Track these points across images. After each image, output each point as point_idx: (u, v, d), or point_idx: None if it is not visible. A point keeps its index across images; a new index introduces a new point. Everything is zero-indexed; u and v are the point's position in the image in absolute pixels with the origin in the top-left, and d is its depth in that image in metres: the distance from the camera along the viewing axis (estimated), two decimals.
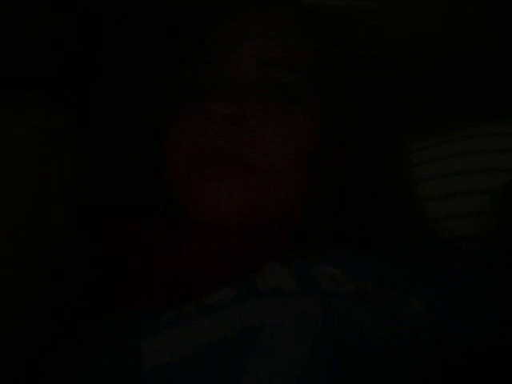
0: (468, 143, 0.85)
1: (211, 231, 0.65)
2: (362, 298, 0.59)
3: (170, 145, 0.70)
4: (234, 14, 0.71)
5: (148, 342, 0.56)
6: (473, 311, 0.61)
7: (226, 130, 0.66)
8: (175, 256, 0.64)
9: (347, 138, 0.73)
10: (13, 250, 0.64)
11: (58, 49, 0.74)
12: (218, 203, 0.65)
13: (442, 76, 0.98)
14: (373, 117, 0.76)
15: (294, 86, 0.69)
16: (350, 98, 0.74)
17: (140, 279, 0.63)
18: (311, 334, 0.53)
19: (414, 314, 0.59)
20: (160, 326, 0.57)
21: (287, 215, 0.68)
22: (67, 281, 0.66)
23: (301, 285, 0.60)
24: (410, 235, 0.69)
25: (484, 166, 0.82)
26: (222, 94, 0.67)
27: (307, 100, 0.70)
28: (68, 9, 0.75)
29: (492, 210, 0.76)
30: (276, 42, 0.70)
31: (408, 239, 0.68)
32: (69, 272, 0.67)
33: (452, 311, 0.60)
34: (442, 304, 0.60)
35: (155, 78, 0.74)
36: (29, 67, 0.72)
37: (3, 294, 0.64)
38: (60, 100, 0.72)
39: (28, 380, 0.61)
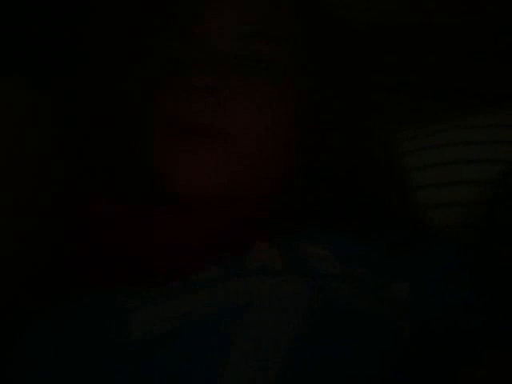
0: (457, 134, 0.85)
1: (194, 207, 0.64)
2: (348, 278, 0.59)
3: (148, 118, 0.69)
4: None
5: (135, 315, 0.55)
6: (455, 297, 0.61)
7: (202, 101, 0.65)
8: (157, 231, 0.63)
9: (333, 117, 0.72)
10: None
11: (38, 23, 0.73)
12: (192, 175, 0.65)
13: (434, 65, 0.98)
14: (360, 99, 0.75)
15: (273, 59, 0.68)
16: (337, 79, 0.73)
17: (121, 255, 0.62)
18: (297, 312, 0.53)
19: (399, 295, 0.59)
20: (148, 300, 0.57)
21: (268, 193, 0.68)
22: (44, 257, 0.66)
23: (288, 264, 0.60)
24: (397, 220, 0.69)
25: (473, 156, 0.82)
26: (200, 66, 0.66)
27: (289, 75, 0.69)
28: None
29: (473, 200, 0.76)
30: (257, 15, 0.69)
31: (395, 224, 0.68)
32: (45, 249, 0.66)
33: (436, 295, 0.61)
34: (427, 288, 0.61)
35: (136, 52, 0.73)
36: (9, 42, 0.71)
37: None
38: (37, 77, 0.71)
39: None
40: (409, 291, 0.60)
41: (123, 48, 0.73)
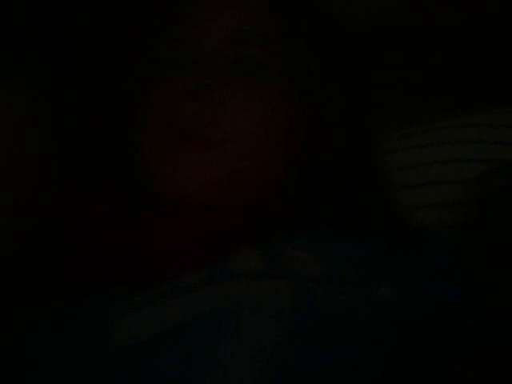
0: (447, 133, 0.85)
1: (182, 212, 0.64)
2: (334, 281, 0.59)
3: (137, 122, 0.69)
4: None
5: (119, 321, 0.56)
6: (446, 296, 0.61)
7: (188, 105, 0.65)
8: (145, 235, 0.63)
9: (318, 119, 0.71)
10: None
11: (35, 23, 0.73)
12: (178, 180, 0.64)
13: (435, 63, 0.98)
14: (346, 100, 0.74)
15: (261, 63, 0.68)
16: (323, 80, 0.72)
17: (109, 258, 0.63)
18: (281, 314, 0.54)
19: (385, 298, 0.59)
20: (132, 306, 0.57)
21: (255, 196, 0.67)
22: (44, 257, 0.66)
23: (272, 268, 0.60)
24: (382, 221, 0.69)
25: (457, 156, 0.82)
26: (186, 70, 0.66)
27: (275, 78, 0.68)
28: None
29: (463, 200, 0.76)
30: (245, 16, 0.69)
31: (380, 225, 0.68)
32: (44, 249, 0.67)
33: (422, 297, 0.61)
34: (413, 289, 0.61)
35: (125, 54, 0.73)
36: (9, 42, 0.72)
37: None
38: (36, 77, 0.71)
39: None
40: (396, 292, 0.60)
41: (111, 49, 0.73)
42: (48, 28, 0.74)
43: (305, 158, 0.70)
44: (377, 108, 0.80)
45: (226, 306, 0.54)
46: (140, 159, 0.69)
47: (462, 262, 0.64)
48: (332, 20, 0.76)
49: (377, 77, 0.93)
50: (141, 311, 0.56)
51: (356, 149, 0.72)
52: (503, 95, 0.93)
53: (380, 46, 0.98)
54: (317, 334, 0.53)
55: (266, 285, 0.57)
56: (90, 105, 0.74)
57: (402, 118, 0.94)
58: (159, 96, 0.67)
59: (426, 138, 0.86)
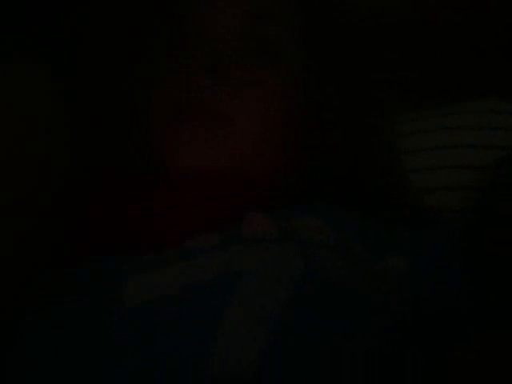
0: (456, 118, 0.85)
1: (194, 180, 0.65)
2: (344, 250, 0.59)
3: (152, 97, 0.69)
4: None
5: (129, 282, 0.56)
6: (447, 278, 0.61)
7: (204, 81, 0.65)
8: (156, 203, 0.64)
9: (331, 100, 0.72)
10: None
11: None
12: (191, 156, 0.65)
13: (435, 62, 0.98)
14: (359, 82, 0.75)
15: (279, 43, 0.68)
16: (336, 62, 0.73)
17: (123, 226, 0.63)
18: (291, 280, 0.54)
19: (395, 269, 0.59)
20: (142, 268, 0.57)
21: (266, 173, 0.68)
22: (51, 228, 0.66)
23: (283, 234, 0.60)
24: (393, 198, 0.69)
25: (471, 141, 0.82)
26: (201, 46, 0.67)
27: (291, 59, 0.69)
28: None
29: (477, 186, 0.76)
30: None
31: (391, 202, 0.68)
32: (53, 221, 0.66)
33: (432, 272, 0.61)
34: (424, 264, 0.61)
35: (141, 31, 0.73)
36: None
37: None
38: (41, 52, 0.71)
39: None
40: (404, 266, 0.60)
41: (126, 27, 0.74)
42: (62, 14, 0.75)
43: (314, 138, 0.71)
44: (378, 100, 0.81)
45: (236, 270, 0.55)
46: (153, 134, 0.69)
47: (464, 246, 0.64)
48: (341, 15, 0.76)
49: (377, 75, 0.93)
50: (152, 273, 0.56)
51: (364, 132, 0.73)
52: (503, 93, 0.93)
53: (380, 45, 0.99)
54: (320, 302, 0.53)
55: (275, 249, 0.57)
56: (104, 79, 0.74)
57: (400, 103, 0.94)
58: (173, 71, 0.68)
59: (437, 123, 0.86)
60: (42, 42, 0.71)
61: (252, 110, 0.66)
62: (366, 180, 0.71)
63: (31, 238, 0.64)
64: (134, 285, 0.55)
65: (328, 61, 0.73)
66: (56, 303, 0.57)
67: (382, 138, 0.76)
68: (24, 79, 0.67)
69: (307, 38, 0.71)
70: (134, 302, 0.54)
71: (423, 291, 0.60)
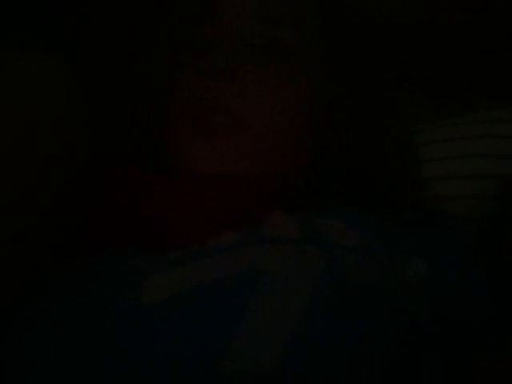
0: (474, 127, 0.85)
1: (210, 179, 0.65)
2: (365, 251, 0.59)
3: (167, 98, 0.69)
4: None
5: (147, 279, 0.55)
6: (470, 281, 0.62)
7: (218, 83, 0.65)
8: (175, 201, 0.64)
9: (343, 100, 0.72)
10: (11, 186, 0.64)
11: None
12: (206, 159, 0.65)
13: (447, 62, 0.98)
14: (371, 82, 0.75)
15: (291, 45, 0.68)
16: (353, 66, 0.73)
17: (134, 218, 0.63)
18: (312, 281, 0.54)
19: (416, 273, 0.59)
20: (160, 265, 0.57)
21: (279, 175, 0.68)
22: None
23: (305, 234, 0.60)
24: (411, 202, 0.69)
25: (486, 150, 0.82)
26: (218, 49, 0.67)
27: (305, 60, 0.69)
28: None
29: (493, 195, 0.76)
30: None
31: (409, 206, 0.68)
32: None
33: (452, 276, 0.61)
34: (444, 268, 0.61)
35: (156, 32, 0.73)
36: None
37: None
38: (62, 46, 0.71)
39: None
40: (427, 268, 0.60)
41: (143, 28, 0.73)
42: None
43: (326, 138, 0.71)
44: (390, 102, 0.81)
45: (256, 269, 0.55)
46: (167, 137, 0.69)
47: (484, 253, 0.64)
48: (359, 17, 0.76)
49: (389, 75, 0.93)
50: (169, 270, 0.56)
51: (383, 139, 0.73)
52: None
53: (391, 46, 0.98)
54: (339, 303, 0.53)
55: (298, 250, 0.57)
56: (119, 80, 0.73)
57: (415, 117, 0.94)
58: (188, 73, 0.67)
59: (456, 131, 0.86)
60: (58, 32, 0.70)
61: (264, 111, 0.66)
62: (377, 180, 0.72)
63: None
64: (153, 282, 0.55)
65: (341, 62, 0.72)
66: (59, 302, 0.57)
67: (393, 138, 0.76)
68: (38, 69, 0.66)
69: (322, 39, 0.71)
70: (149, 299, 0.54)
71: (443, 296, 0.60)
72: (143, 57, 0.73)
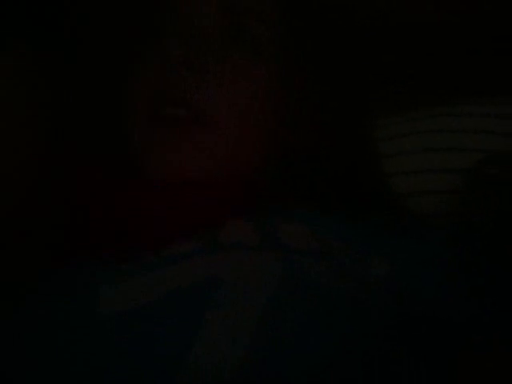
0: (437, 121, 0.86)
1: (172, 186, 0.64)
2: (325, 255, 0.59)
3: (130, 93, 0.68)
4: None
5: (106, 290, 0.55)
6: (432, 280, 0.60)
7: (179, 75, 0.64)
8: (133, 207, 0.63)
9: (310, 98, 0.71)
10: None
11: None
12: (168, 157, 0.64)
13: (428, 51, 0.98)
14: (339, 81, 0.74)
15: (257, 36, 0.67)
16: (316, 60, 0.72)
17: (100, 229, 0.63)
18: (270, 287, 0.53)
19: (376, 274, 0.59)
20: (119, 275, 0.57)
21: (243, 173, 0.67)
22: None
23: (263, 240, 0.60)
24: (373, 202, 0.69)
25: (451, 145, 0.82)
26: (181, 40, 0.65)
27: (268, 52, 0.68)
28: None
29: (457, 189, 0.76)
30: None
31: (371, 206, 0.67)
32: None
33: (413, 276, 0.60)
34: (405, 268, 0.60)
35: (119, 25, 0.72)
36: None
37: None
38: (30, 43, 0.70)
39: None
40: (387, 267, 0.60)
41: (103, 18, 0.72)
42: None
43: (295, 137, 0.70)
44: (362, 97, 0.80)
45: (214, 277, 0.54)
46: (130, 132, 0.68)
47: (452, 251, 0.63)
48: (328, 9, 0.75)
49: (369, 77, 0.93)
50: (128, 280, 0.56)
51: (345, 133, 0.72)
52: (500, 95, 0.93)
53: (377, 47, 0.98)
54: (300, 307, 0.53)
55: (255, 256, 0.57)
56: (82, 73, 0.72)
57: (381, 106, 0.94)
58: (150, 65, 0.66)
59: (420, 126, 0.86)
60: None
61: (227, 104, 0.65)
62: (338, 176, 0.71)
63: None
64: (109, 293, 0.55)
65: (305, 54, 0.71)
66: (30, 313, 0.57)
67: (365, 139, 0.76)
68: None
69: (286, 31, 0.70)
70: (109, 309, 0.54)
71: (406, 293, 0.59)
72: (106, 47, 0.71)
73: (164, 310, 0.52)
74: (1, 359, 0.54)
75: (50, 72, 0.69)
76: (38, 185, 0.67)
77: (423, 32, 0.98)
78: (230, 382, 0.48)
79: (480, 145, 0.82)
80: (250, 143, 0.67)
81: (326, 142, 0.71)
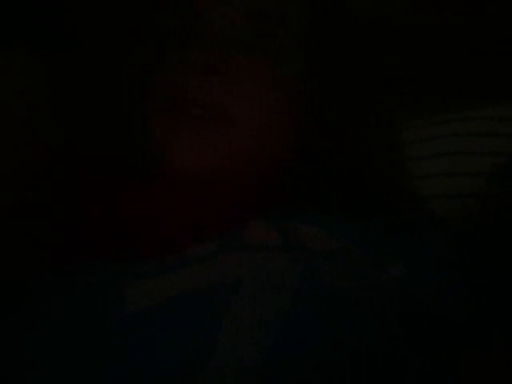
0: (460, 126, 0.85)
1: (192, 184, 0.64)
2: (344, 258, 0.59)
3: (150, 93, 0.68)
4: None
5: (130, 288, 0.55)
6: (450, 284, 0.60)
7: (204, 79, 0.64)
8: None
9: (332, 100, 0.71)
10: None
11: None
12: (188, 156, 0.64)
13: (432, 53, 0.98)
14: (360, 84, 0.74)
15: (277, 40, 0.67)
16: (340, 64, 0.73)
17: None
18: (291, 288, 0.54)
19: (394, 277, 0.59)
20: (142, 274, 0.57)
21: (263, 172, 0.67)
22: (51, 228, 0.65)
23: (284, 241, 0.60)
24: (394, 204, 0.68)
25: (474, 149, 0.81)
26: (204, 43, 0.66)
27: (291, 56, 0.68)
28: None
29: (480, 192, 0.75)
30: None
31: (392, 208, 0.67)
32: (53, 220, 0.66)
33: (431, 280, 0.60)
34: (422, 272, 0.60)
35: (140, 25, 0.72)
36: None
37: None
38: (35, 44, 0.70)
39: None
40: (404, 272, 0.60)
41: (124, 20, 0.73)
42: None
43: (313, 138, 0.70)
44: (378, 99, 0.80)
45: (235, 277, 0.55)
46: (148, 132, 0.68)
47: (469, 253, 0.63)
48: (349, 19, 0.76)
49: (379, 79, 0.93)
50: (152, 279, 0.56)
51: (364, 137, 0.72)
52: (503, 97, 0.93)
53: (381, 49, 0.98)
54: (318, 308, 0.53)
55: (276, 257, 0.57)
56: (99, 74, 0.73)
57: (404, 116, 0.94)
58: (171, 68, 0.67)
59: (443, 130, 0.86)
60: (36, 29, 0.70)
61: (248, 107, 0.66)
62: (365, 182, 0.71)
63: (31, 237, 0.63)
64: (134, 292, 0.55)
65: (330, 62, 0.72)
66: (55, 306, 0.57)
67: (382, 140, 0.76)
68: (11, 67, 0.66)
69: (309, 36, 0.71)
70: (133, 309, 0.54)
71: (423, 298, 0.59)
72: (123, 50, 0.72)
73: (184, 310, 0.53)
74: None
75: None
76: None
77: (427, 34, 0.98)
78: (252, 381, 0.48)
79: (495, 148, 0.81)
80: (268, 144, 0.67)
81: (350, 148, 0.71)
